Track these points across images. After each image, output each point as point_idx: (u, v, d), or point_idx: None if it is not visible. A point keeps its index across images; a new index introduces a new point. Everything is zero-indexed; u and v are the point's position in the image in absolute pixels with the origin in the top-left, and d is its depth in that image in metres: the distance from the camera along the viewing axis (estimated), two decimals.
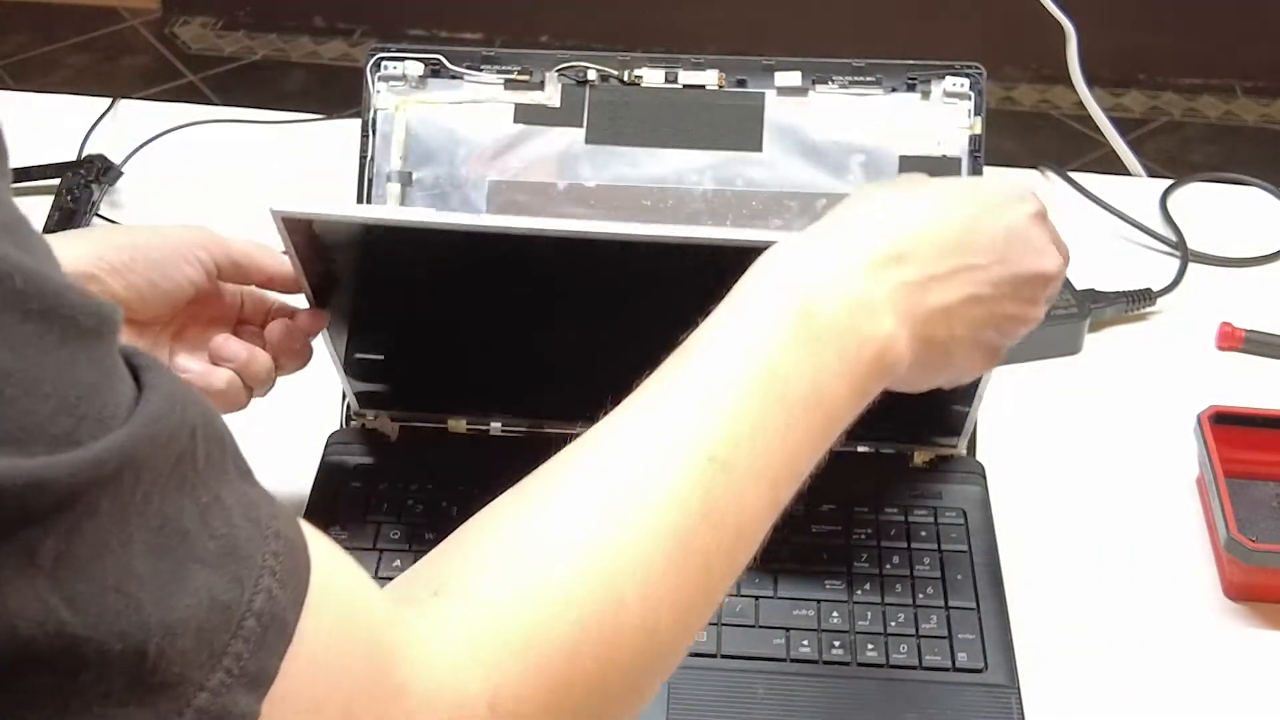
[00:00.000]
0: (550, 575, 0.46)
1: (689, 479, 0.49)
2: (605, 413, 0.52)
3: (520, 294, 0.72)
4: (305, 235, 0.66)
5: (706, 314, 0.55)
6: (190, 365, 0.69)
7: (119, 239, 0.67)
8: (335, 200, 0.66)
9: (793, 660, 0.69)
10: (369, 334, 0.75)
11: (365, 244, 0.68)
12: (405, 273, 0.71)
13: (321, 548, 0.43)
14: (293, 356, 0.71)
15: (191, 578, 0.37)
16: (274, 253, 0.71)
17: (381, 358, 0.77)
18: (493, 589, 0.46)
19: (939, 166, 0.83)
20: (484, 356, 0.76)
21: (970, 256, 0.57)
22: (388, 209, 0.79)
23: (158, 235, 0.68)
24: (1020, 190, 0.61)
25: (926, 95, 0.84)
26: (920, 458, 0.80)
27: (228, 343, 0.69)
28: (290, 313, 0.72)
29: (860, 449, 0.81)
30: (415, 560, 0.73)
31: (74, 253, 0.65)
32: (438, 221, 0.65)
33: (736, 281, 0.56)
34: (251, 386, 0.70)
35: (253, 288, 0.72)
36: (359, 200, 0.83)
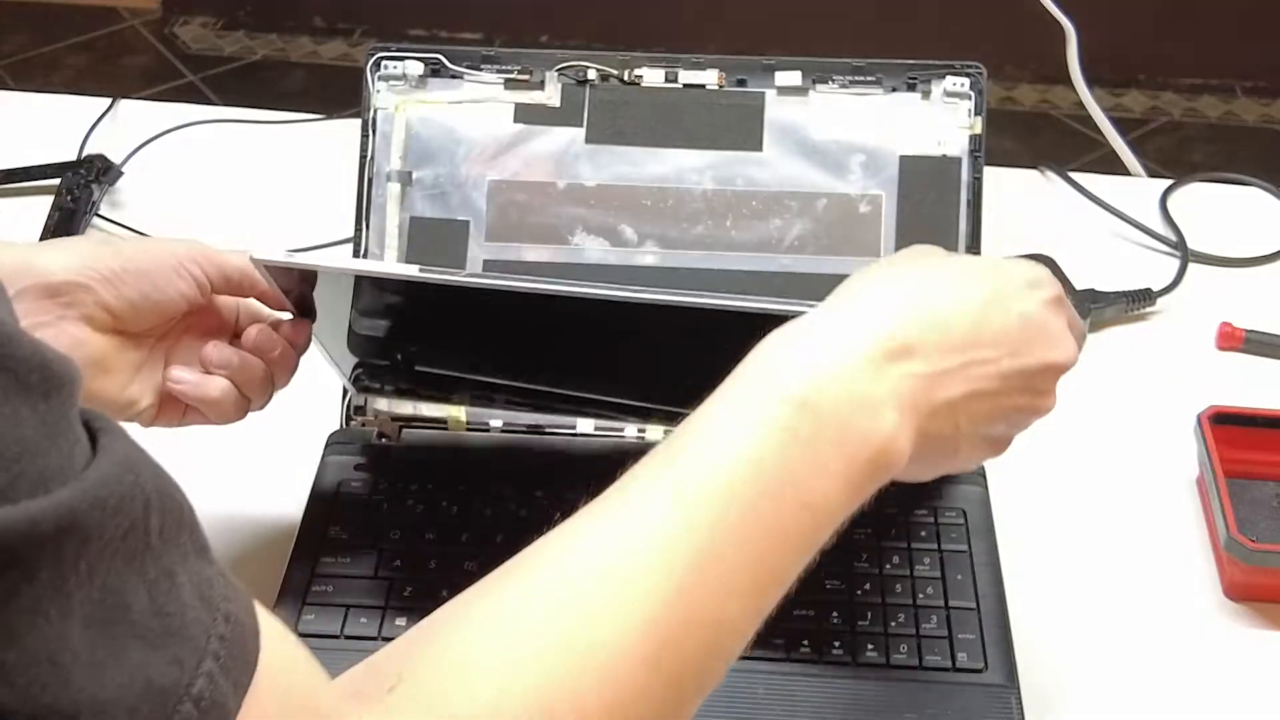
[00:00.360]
0: (511, 685, 0.44)
1: (664, 587, 0.46)
2: (586, 499, 0.50)
3: (513, 341, 0.71)
4: (287, 276, 0.66)
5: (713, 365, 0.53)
6: (184, 376, 0.68)
7: (111, 249, 0.66)
8: (318, 253, 0.65)
9: (793, 660, 0.69)
10: (363, 353, 0.75)
11: (353, 289, 0.68)
12: (394, 316, 0.71)
13: (274, 633, 0.41)
14: (276, 364, 0.70)
15: (129, 656, 0.35)
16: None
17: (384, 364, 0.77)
18: (450, 692, 0.44)
19: (940, 166, 0.83)
20: (478, 381, 0.76)
21: (981, 350, 0.55)
22: (368, 263, 0.77)
23: (150, 247, 0.67)
24: (1035, 275, 0.58)
25: (927, 95, 0.84)
26: None
27: (219, 349, 0.68)
28: (276, 323, 0.71)
29: None
30: (414, 560, 0.73)
31: (65, 261, 0.64)
32: (415, 276, 0.64)
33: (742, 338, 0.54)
34: (249, 397, 0.69)
35: (250, 300, 0.71)
36: (359, 200, 0.83)
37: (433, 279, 0.63)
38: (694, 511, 0.48)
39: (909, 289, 0.56)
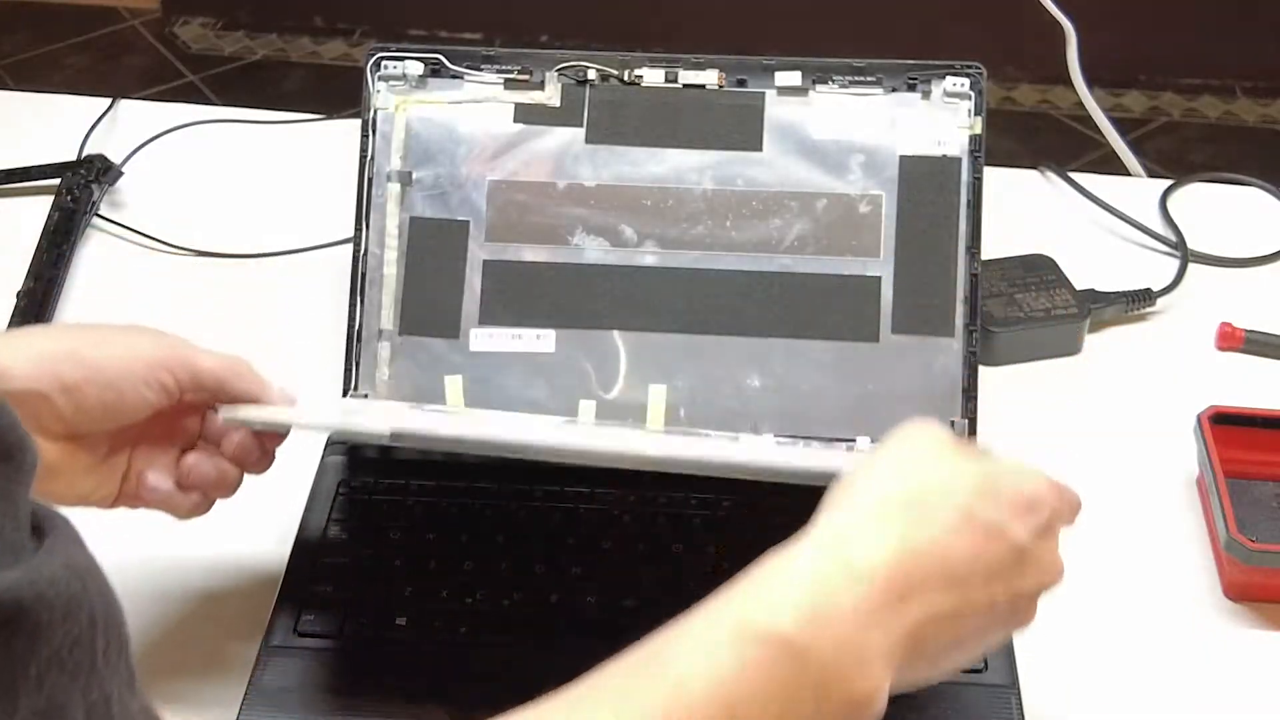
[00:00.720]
0: None
1: None
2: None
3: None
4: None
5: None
6: (158, 485, 0.65)
7: (75, 356, 0.61)
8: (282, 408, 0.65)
9: None
10: None
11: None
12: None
13: None
14: (254, 466, 0.68)
15: None
16: (244, 373, 0.67)
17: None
18: None
19: (939, 166, 0.83)
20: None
21: (975, 589, 0.53)
22: (345, 417, 0.75)
23: (118, 354, 0.63)
24: (1032, 495, 0.56)
25: (927, 95, 0.84)
26: None
27: (199, 464, 0.66)
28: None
29: (860, 445, 0.81)
30: (414, 560, 0.73)
31: (25, 366, 0.60)
32: (386, 440, 0.65)
33: None
34: (218, 497, 0.68)
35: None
36: (359, 200, 0.83)
37: (406, 434, 0.64)
38: None
39: (908, 522, 0.53)
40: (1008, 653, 0.69)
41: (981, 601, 0.54)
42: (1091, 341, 0.93)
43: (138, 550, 0.72)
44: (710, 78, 0.84)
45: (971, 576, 0.53)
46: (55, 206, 1.02)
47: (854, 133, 0.84)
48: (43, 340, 0.62)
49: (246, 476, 0.68)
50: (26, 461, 0.36)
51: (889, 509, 0.54)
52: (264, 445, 0.68)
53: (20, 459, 0.36)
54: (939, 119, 0.83)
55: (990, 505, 0.55)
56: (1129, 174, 1.13)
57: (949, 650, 0.54)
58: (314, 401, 0.68)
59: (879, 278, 0.82)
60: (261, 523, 0.78)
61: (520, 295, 0.83)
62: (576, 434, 0.62)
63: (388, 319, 0.83)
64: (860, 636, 0.50)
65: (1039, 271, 0.94)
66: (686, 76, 0.84)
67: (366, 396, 0.82)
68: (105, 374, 0.62)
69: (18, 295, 0.94)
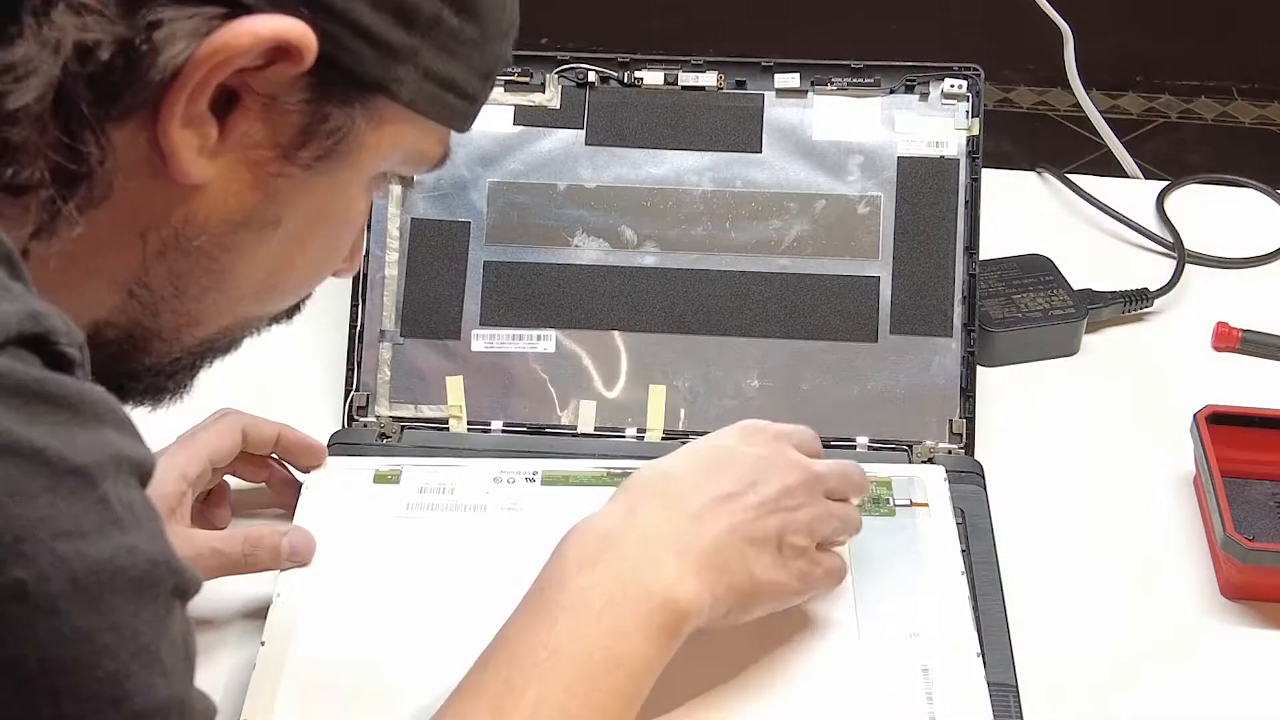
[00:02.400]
0: None
1: None
2: None
3: None
4: None
5: None
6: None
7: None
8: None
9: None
10: None
11: None
12: None
13: None
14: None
15: None
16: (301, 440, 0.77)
17: None
18: None
19: (937, 167, 0.83)
20: None
21: (721, 487, 0.63)
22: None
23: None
24: (749, 425, 0.67)
25: (925, 97, 0.84)
26: (919, 455, 0.81)
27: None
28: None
29: (859, 444, 0.81)
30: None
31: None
32: None
33: None
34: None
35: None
36: None
37: None
38: (519, 701, 0.56)
39: (663, 461, 0.65)
40: (1007, 652, 0.70)
41: (736, 501, 0.63)
42: (1089, 342, 0.93)
43: None
44: (710, 80, 0.85)
45: (710, 480, 0.63)
46: None
47: (852, 134, 0.84)
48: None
49: None
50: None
51: (654, 463, 0.66)
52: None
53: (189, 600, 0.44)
54: (937, 120, 0.84)
55: (720, 436, 0.67)
56: (1126, 175, 1.13)
57: (752, 553, 0.62)
58: None
59: (877, 278, 0.83)
60: (264, 522, 0.78)
61: (521, 296, 0.83)
62: None
63: (389, 320, 0.83)
64: (637, 542, 0.61)
65: (1036, 272, 0.94)
66: (686, 78, 0.85)
67: (368, 397, 0.83)
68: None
69: None
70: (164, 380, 0.54)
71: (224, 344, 0.55)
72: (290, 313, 0.58)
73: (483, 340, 0.83)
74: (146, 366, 0.52)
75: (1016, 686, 0.68)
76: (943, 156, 0.84)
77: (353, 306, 0.83)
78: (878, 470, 0.77)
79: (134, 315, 0.50)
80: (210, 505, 0.75)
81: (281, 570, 0.72)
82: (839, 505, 0.67)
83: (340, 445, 0.81)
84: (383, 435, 0.82)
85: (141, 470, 0.43)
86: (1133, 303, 0.94)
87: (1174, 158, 2.44)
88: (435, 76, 0.49)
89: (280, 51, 0.44)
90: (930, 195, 0.83)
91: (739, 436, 0.67)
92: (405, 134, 0.51)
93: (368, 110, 0.48)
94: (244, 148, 0.46)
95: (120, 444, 0.41)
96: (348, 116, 0.48)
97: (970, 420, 0.82)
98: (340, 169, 0.49)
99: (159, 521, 0.42)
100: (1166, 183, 1.07)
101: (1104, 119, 1.12)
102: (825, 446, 0.80)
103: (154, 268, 0.48)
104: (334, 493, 0.76)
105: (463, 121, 0.54)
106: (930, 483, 0.76)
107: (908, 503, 0.75)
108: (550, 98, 0.85)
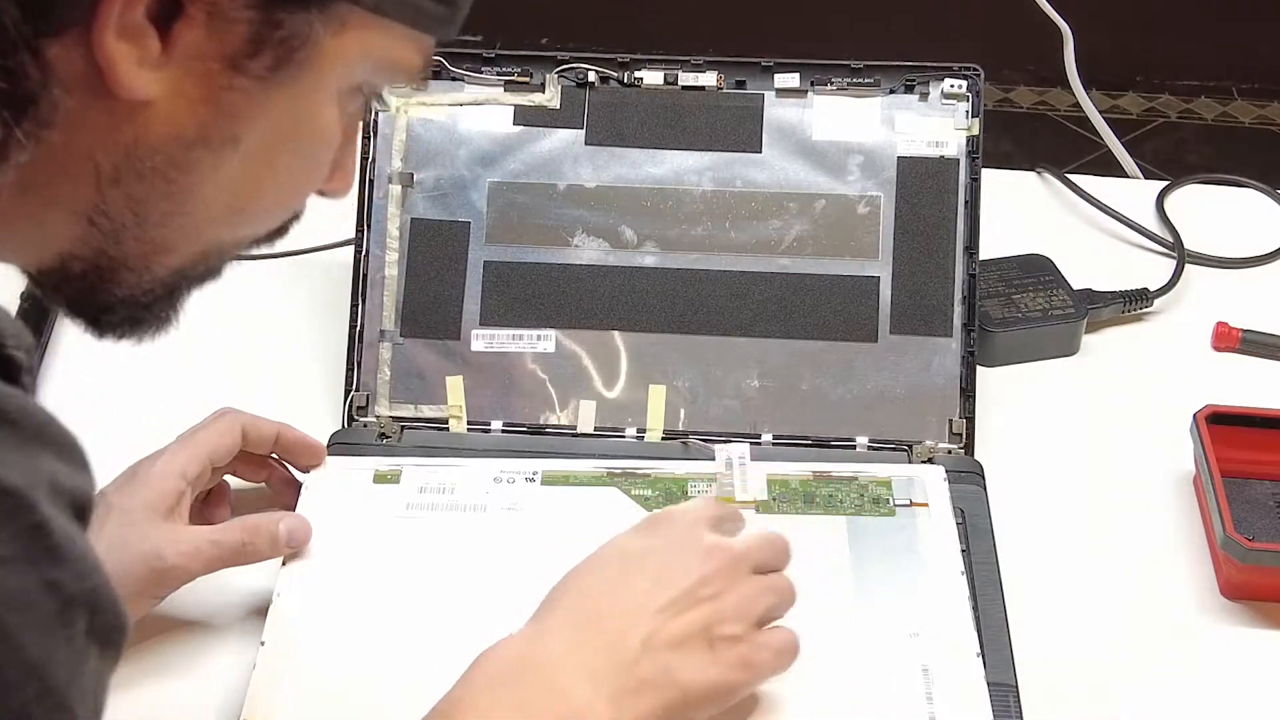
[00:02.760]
0: None
1: None
2: None
3: None
4: None
5: None
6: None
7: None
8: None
9: None
10: None
11: None
12: None
13: None
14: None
15: None
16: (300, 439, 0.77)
17: None
18: None
19: (937, 167, 0.83)
20: None
21: (634, 591, 0.60)
22: None
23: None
24: (654, 517, 0.64)
25: (925, 97, 0.84)
26: (919, 455, 0.81)
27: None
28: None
29: (859, 445, 0.81)
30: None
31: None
32: None
33: None
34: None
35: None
36: (360, 201, 0.84)
37: None
38: None
39: (582, 574, 0.62)
40: (1006, 652, 0.70)
41: (655, 604, 0.59)
42: (1089, 342, 0.93)
43: None
44: (710, 79, 0.85)
45: (631, 580, 0.60)
46: None
47: (852, 134, 0.84)
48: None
49: None
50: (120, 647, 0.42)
51: (569, 581, 0.62)
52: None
53: (121, 647, 0.42)
54: (937, 120, 0.84)
55: (627, 535, 0.63)
56: (1126, 175, 1.13)
57: (672, 658, 0.59)
58: None
59: (877, 278, 0.83)
60: None
61: (521, 296, 0.83)
62: None
63: (389, 320, 0.83)
64: (545, 662, 0.58)
65: (1036, 272, 0.94)
66: (686, 78, 0.85)
67: (368, 397, 0.83)
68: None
69: (21, 297, 0.94)
70: (141, 312, 0.51)
71: (201, 271, 0.52)
72: (275, 234, 0.54)
73: (483, 340, 0.83)
74: (120, 298, 0.50)
75: (1016, 686, 0.68)
76: (943, 156, 0.84)
77: (352, 306, 0.83)
78: (878, 470, 0.77)
79: (97, 245, 0.47)
80: (210, 505, 0.75)
81: (284, 562, 0.72)
82: (769, 578, 0.63)
83: (340, 445, 0.81)
84: (383, 435, 0.82)
85: (77, 502, 0.41)
86: (1132, 303, 0.94)
87: (1174, 158, 2.44)
88: None
89: None
90: (930, 195, 0.83)
91: (644, 532, 0.63)
92: (373, 41, 0.48)
93: (326, 16, 0.46)
94: (191, 60, 0.44)
95: (59, 472, 0.40)
96: (304, 23, 0.45)
97: (970, 420, 0.82)
98: (300, 80, 0.46)
99: (90, 559, 0.41)
100: (1166, 183, 1.07)
101: (1104, 119, 1.12)
102: (825, 447, 0.81)
103: (110, 194, 0.46)
104: (334, 493, 0.76)
105: (441, 26, 0.50)
106: (930, 483, 0.76)
107: (908, 503, 0.75)
108: (550, 98, 0.85)
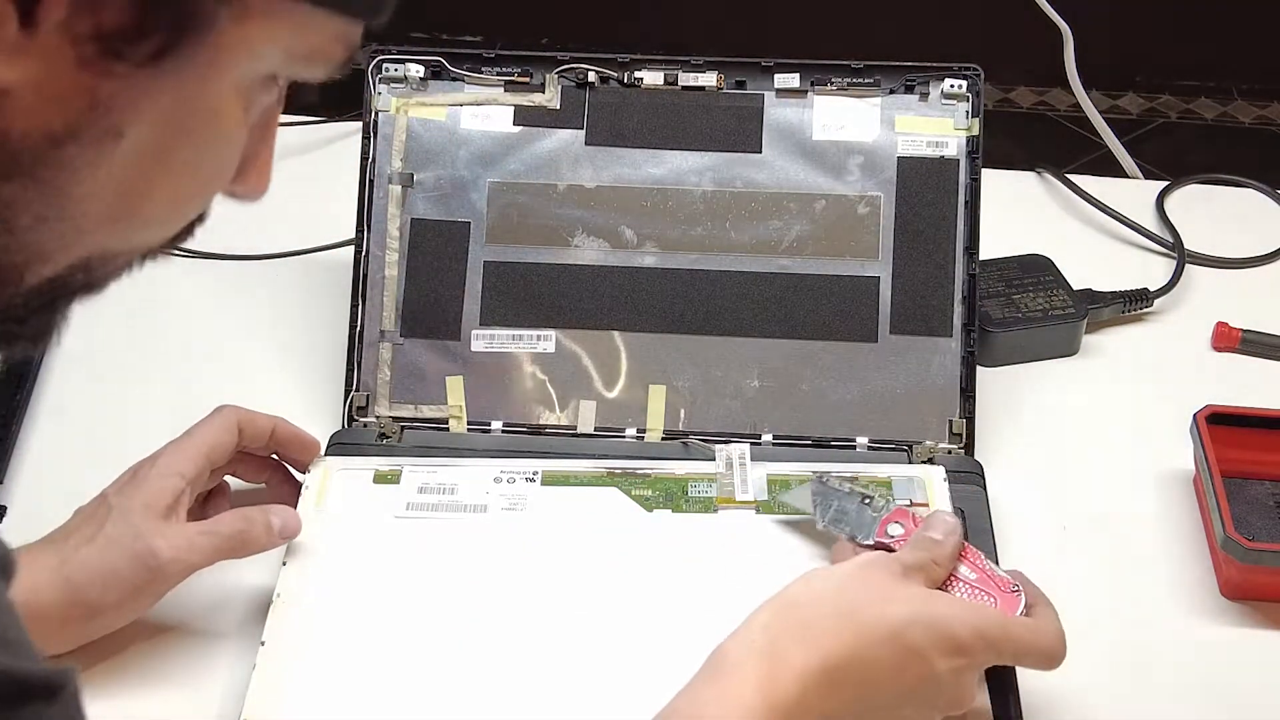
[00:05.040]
0: None
1: None
2: None
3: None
4: None
5: None
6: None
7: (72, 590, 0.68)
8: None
9: None
10: None
11: None
12: None
13: None
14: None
15: None
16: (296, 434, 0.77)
17: None
18: None
19: (937, 167, 0.83)
20: None
21: (885, 703, 0.60)
22: None
23: (100, 580, 0.67)
24: (961, 643, 0.61)
25: (925, 97, 0.84)
26: (919, 455, 0.81)
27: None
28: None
29: (859, 445, 0.81)
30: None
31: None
32: None
33: None
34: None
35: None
36: (360, 202, 0.84)
37: None
38: None
39: (836, 632, 0.60)
40: None
41: (888, 713, 0.61)
42: (1089, 342, 0.93)
43: None
44: (710, 80, 0.85)
45: (884, 690, 0.60)
46: None
47: (852, 134, 0.84)
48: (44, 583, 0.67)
49: None
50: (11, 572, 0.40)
51: (824, 615, 0.60)
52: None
53: (12, 571, 0.41)
54: (937, 120, 0.84)
55: (919, 632, 0.60)
56: (1126, 175, 1.13)
57: None
58: None
59: (877, 278, 0.83)
60: None
61: (521, 296, 0.83)
62: None
63: (389, 320, 0.83)
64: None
65: (1036, 272, 0.94)
66: (686, 78, 0.85)
67: (368, 397, 0.83)
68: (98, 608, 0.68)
69: None
70: (14, 326, 0.45)
71: (82, 282, 0.45)
72: (176, 240, 0.48)
73: (483, 340, 0.83)
74: None
75: (1016, 687, 0.68)
76: (943, 156, 0.84)
77: (352, 307, 0.83)
78: (878, 470, 0.77)
79: None
80: (210, 506, 0.75)
81: (284, 562, 0.72)
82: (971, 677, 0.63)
83: (340, 445, 0.81)
84: (383, 435, 0.82)
85: None
86: (1133, 303, 0.94)
87: (1174, 158, 2.44)
88: None
89: None
90: (930, 195, 0.83)
91: (938, 645, 0.61)
92: (286, 26, 0.43)
93: None
94: (59, 43, 0.38)
95: None
96: (197, 3, 0.40)
97: (970, 420, 0.82)
98: (193, 68, 0.41)
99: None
100: (1166, 183, 1.07)
101: (1104, 119, 1.13)
102: (825, 447, 0.81)
103: None
104: (334, 493, 0.76)
105: (367, 9, 0.44)
106: (930, 483, 0.76)
107: (908, 503, 0.75)
108: (550, 98, 0.85)
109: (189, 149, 0.44)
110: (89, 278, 0.46)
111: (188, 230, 0.48)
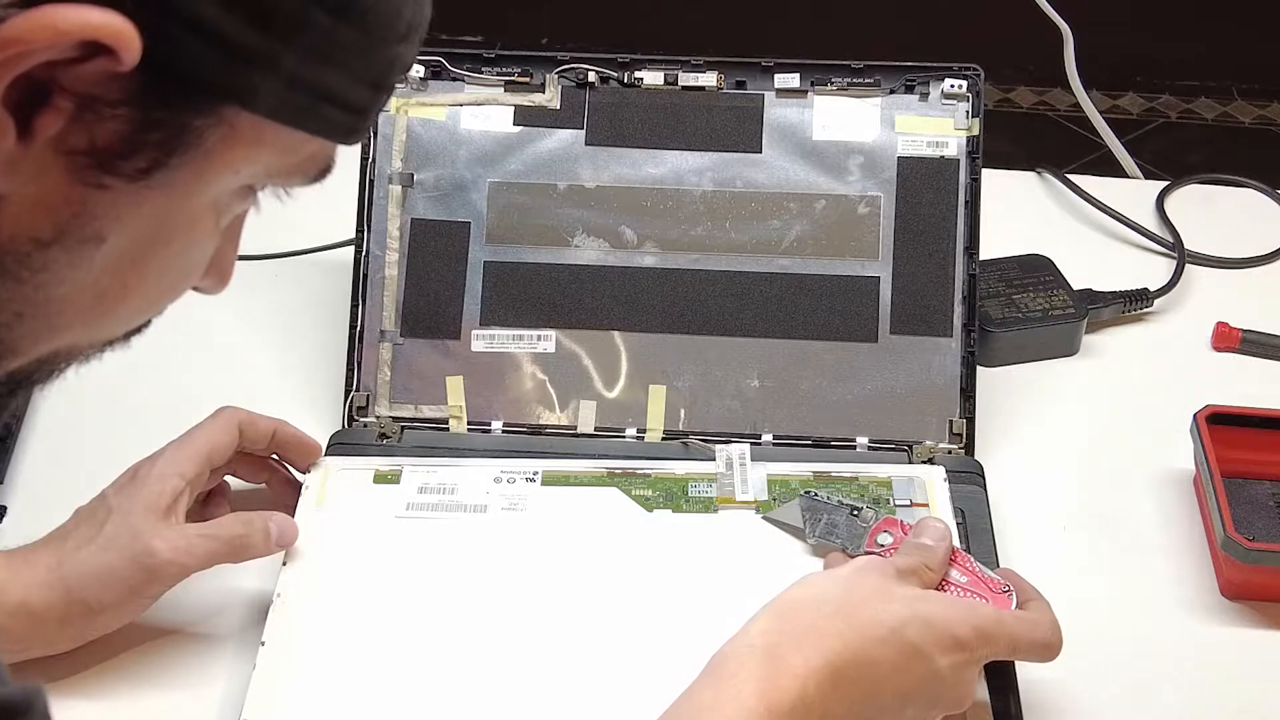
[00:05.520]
0: None
1: None
2: None
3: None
4: None
5: None
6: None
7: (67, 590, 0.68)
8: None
9: None
10: None
11: None
12: None
13: None
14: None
15: None
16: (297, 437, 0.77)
17: None
18: None
19: (937, 167, 0.83)
20: None
21: (889, 702, 0.61)
22: None
23: (98, 582, 0.68)
24: (960, 639, 0.62)
25: (925, 97, 0.84)
26: (919, 455, 0.81)
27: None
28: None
29: (859, 445, 0.81)
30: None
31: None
32: None
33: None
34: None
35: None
36: (360, 202, 0.84)
37: None
38: None
39: (839, 634, 0.60)
40: None
41: (892, 714, 0.61)
42: (1089, 342, 0.93)
43: None
44: (710, 80, 0.85)
45: (887, 690, 0.61)
46: None
47: (852, 134, 0.84)
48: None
49: None
50: None
51: (824, 616, 0.61)
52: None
53: None
54: (937, 120, 0.84)
55: (919, 630, 0.61)
56: (1126, 175, 1.13)
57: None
58: None
59: (877, 278, 0.83)
60: None
61: (521, 296, 0.83)
62: None
63: (389, 320, 0.83)
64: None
65: (1036, 272, 0.94)
66: (686, 78, 0.85)
67: (368, 397, 0.83)
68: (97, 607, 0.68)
69: None
70: None
71: (43, 374, 0.47)
72: (134, 333, 0.50)
73: (483, 340, 0.83)
74: None
75: (1016, 687, 0.68)
76: (943, 156, 0.84)
77: (353, 307, 0.83)
78: (878, 471, 0.77)
79: None
80: (210, 506, 0.75)
81: (284, 563, 0.72)
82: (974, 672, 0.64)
83: (340, 445, 0.81)
84: (383, 435, 0.82)
85: None
86: (1133, 303, 0.94)
87: (1174, 158, 2.44)
88: (306, 85, 0.43)
89: (96, 46, 0.38)
90: (930, 195, 0.83)
91: (938, 642, 0.61)
92: (265, 148, 0.44)
93: (215, 119, 0.42)
94: (54, 154, 0.40)
95: None
96: (186, 126, 0.41)
97: (970, 420, 0.82)
98: (178, 182, 0.42)
99: None
100: (1166, 183, 1.07)
101: (1104, 119, 1.13)
102: (825, 447, 0.81)
103: None
104: (334, 493, 0.76)
105: (346, 135, 0.47)
106: (930, 483, 0.76)
107: (908, 503, 0.75)
108: (550, 98, 0.85)
109: (165, 255, 0.45)
110: (51, 368, 0.47)
111: (145, 324, 0.50)
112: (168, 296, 0.48)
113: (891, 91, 0.84)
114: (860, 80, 0.84)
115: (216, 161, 0.43)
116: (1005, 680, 0.67)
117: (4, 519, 0.78)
